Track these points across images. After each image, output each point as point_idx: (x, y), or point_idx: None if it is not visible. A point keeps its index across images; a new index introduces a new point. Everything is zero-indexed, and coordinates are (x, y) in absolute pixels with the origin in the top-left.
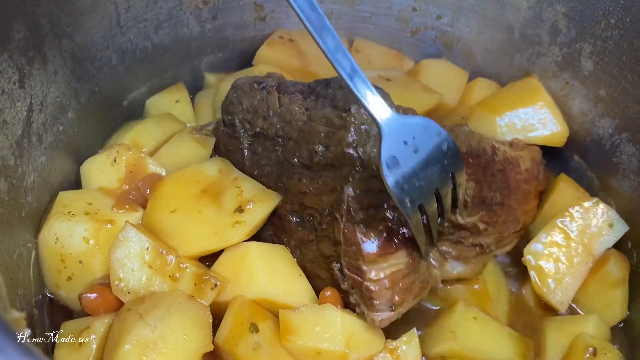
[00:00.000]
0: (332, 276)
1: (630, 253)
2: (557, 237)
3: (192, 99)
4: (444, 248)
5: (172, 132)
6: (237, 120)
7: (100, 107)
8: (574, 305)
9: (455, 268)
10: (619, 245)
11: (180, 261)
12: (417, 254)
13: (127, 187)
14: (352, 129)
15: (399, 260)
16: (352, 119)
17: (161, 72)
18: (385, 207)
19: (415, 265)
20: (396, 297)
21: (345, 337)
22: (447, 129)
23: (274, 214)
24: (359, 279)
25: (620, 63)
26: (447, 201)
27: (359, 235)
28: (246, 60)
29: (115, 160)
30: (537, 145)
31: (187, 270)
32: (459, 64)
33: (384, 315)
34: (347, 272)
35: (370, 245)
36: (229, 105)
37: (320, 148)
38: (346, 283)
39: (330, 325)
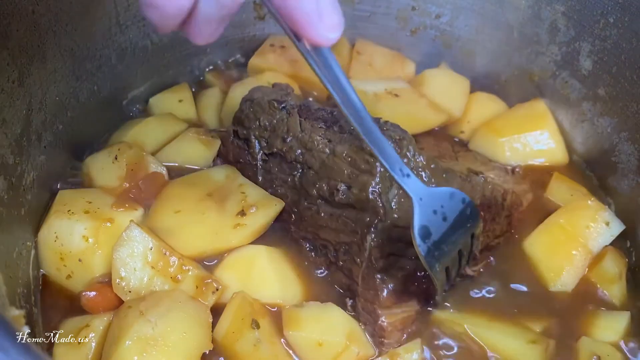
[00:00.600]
0: (342, 304)
1: (629, 252)
2: (554, 233)
3: (196, 98)
4: None
5: (174, 131)
6: (252, 136)
7: (100, 106)
8: None
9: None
10: (618, 245)
11: (182, 263)
12: (427, 304)
13: (127, 185)
14: (378, 176)
15: (411, 307)
16: (379, 167)
17: (161, 71)
18: (404, 256)
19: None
20: (404, 338)
21: (346, 332)
22: (465, 178)
23: (286, 234)
24: (372, 319)
25: (619, 62)
26: (465, 258)
27: (377, 282)
28: (246, 59)
29: (116, 158)
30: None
31: (190, 272)
32: (458, 63)
33: (391, 347)
34: (361, 311)
35: (388, 292)
36: (244, 119)
37: (342, 187)
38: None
39: (332, 320)
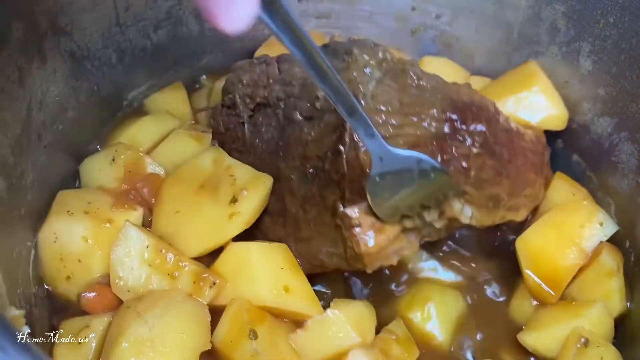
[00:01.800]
0: (335, 230)
1: (628, 252)
2: (547, 232)
3: (191, 98)
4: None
5: (170, 129)
6: (237, 97)
7: (100, 106)
8: None
9: (468, 213)
10: (617, 245)
11: (179, 259)
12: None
13: (125, 186)
14: (355, 69)
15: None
16: (355, 60)
17: (161, 71)
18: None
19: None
20: (377, 224)
21: (356, 328)
22: (449, 83)
23: (276, 186)
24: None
25: (619, 62)
26: (435, 214)
27: (362, 157)
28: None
29: (113, 160)
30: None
31: (186, 268)
32: (458, 63)
33: (369, 236)
34: (349, 197)
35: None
36: (229, 86)
37: (322, 94)
38: (344, 220)
39: (339, 326)
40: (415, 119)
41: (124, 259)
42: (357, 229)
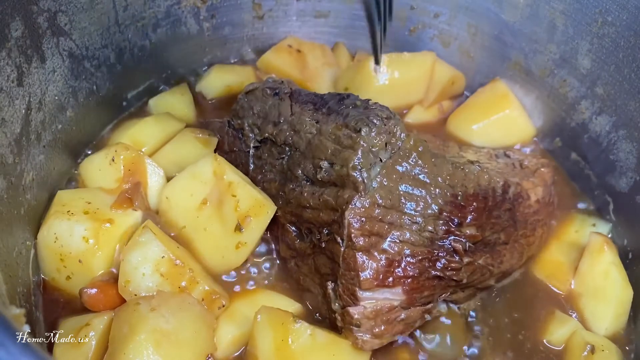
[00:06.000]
0: (324, 293)
1: (626, 250)
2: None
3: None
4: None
5: (172, 130)
6: (246, 125)
7: (99, 106)
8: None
9: (443, 308)
10: (615, 243)
11: (194, 276)
12: (422, 300)
13: (125, 186)
14: (360, 152)
15: (395, 296)
16: (362, 142)
17: (159, 71)
18: (387, 238)
19: (410, 306)
20: (376, 329)
21: None
22: (457, 166)
23: (273, 220)
24: (351, 302)
25: (617, 60)
26: None
27: (359, 261)
28: (243, 59)
29: (113, 160)
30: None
31: (199, 286)
32: (456, 62)
33: (366, 338)
34: (342, 293)
35: (369, 274)
36: (239, 110)
37: (325, 164)
38: (337, 304)
39: None
40: (408, 222)
41: (137, 264)
42: (355, 328)
